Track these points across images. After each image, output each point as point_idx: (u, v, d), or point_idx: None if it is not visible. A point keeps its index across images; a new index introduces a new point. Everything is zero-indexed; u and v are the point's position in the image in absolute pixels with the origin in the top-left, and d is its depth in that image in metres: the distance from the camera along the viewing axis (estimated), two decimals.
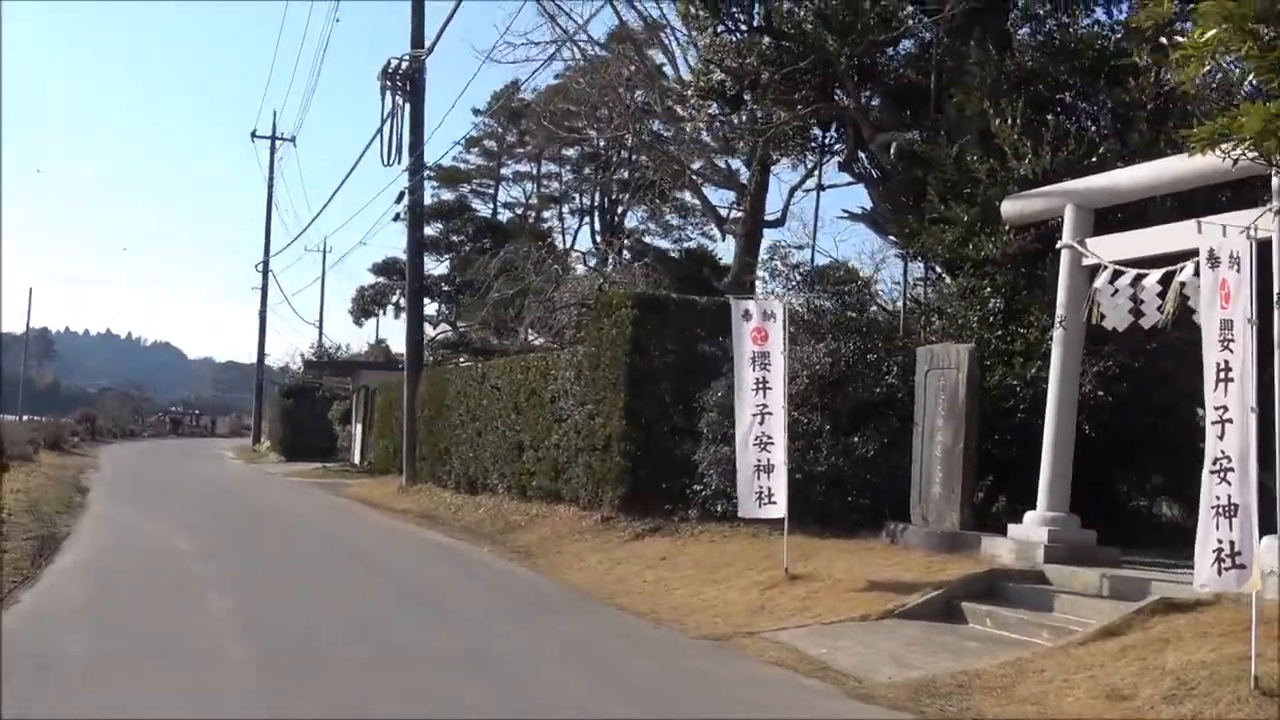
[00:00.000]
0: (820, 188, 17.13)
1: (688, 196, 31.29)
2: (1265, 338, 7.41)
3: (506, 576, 13.11)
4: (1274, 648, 6.83)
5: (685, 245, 38.02)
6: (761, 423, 11.06)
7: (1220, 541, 6.33)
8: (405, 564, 14.15)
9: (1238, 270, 6.61)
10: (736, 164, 22.01)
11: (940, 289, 14.38)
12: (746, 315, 11.31)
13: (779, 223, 22.23)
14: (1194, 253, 8.91)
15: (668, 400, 15.08)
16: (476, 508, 20.15)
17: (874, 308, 16.68)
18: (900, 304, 15.27)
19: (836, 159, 16.76)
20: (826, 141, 17.23)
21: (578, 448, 16.67)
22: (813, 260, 17.85)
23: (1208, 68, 6.56)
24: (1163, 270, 9.24)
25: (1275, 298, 7.55)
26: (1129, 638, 7.92)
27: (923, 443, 12.13)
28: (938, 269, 14.36)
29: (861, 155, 15.68)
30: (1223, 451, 6.38)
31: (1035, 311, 12.21)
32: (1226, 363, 6.49)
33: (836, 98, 15.67)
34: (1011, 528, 10.90)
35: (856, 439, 12.95)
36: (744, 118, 16.80)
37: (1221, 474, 6.35)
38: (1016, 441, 12.41)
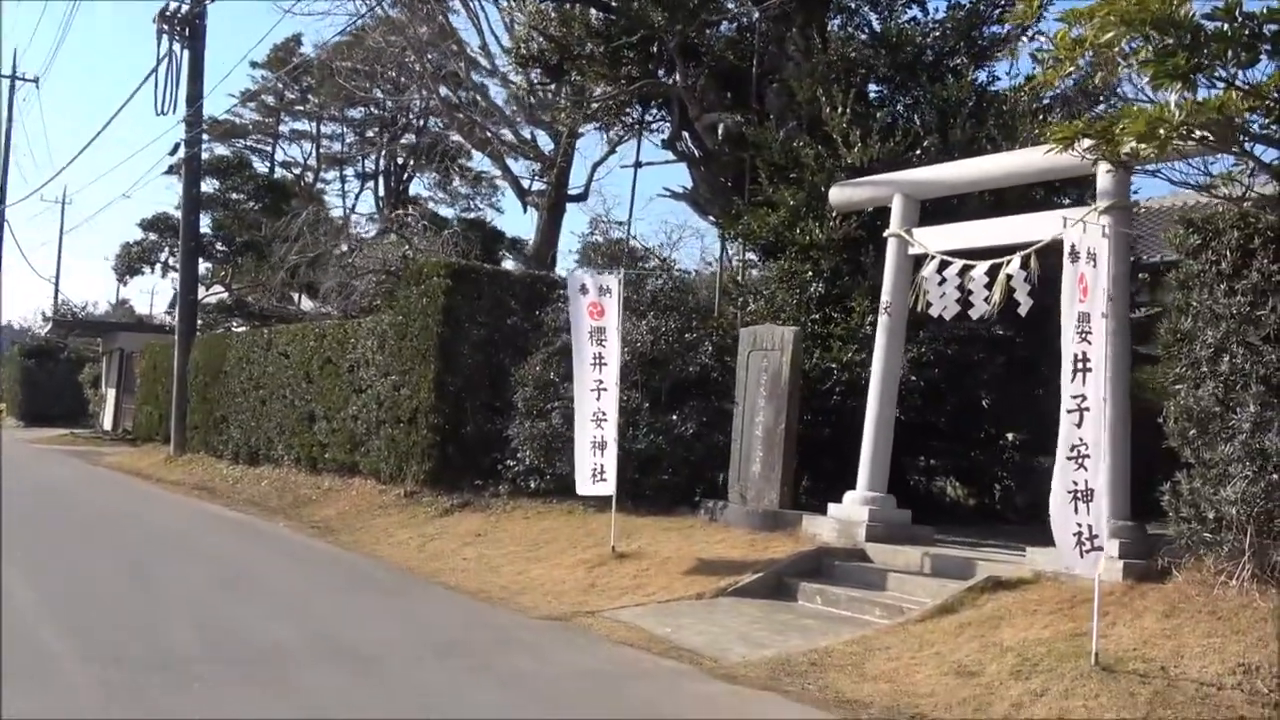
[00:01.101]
0: (638, 164, 17.10)
1: (481, 165, 30.64)
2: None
3: (316, 553, 12.42)
4: (1105, 624, 7.24)
5: (469, 215, 37.34)
6: (598, 398, 10.91)
7: (1080, 525, 6.59)
8: (203, 542, 13.15)
9: (1094, 265, 6.90)
10: (540, 134, 21.64)
11: (757, 270, 14.55)
12: (583, 289, 11.10)
13: (582, 197, 22.08)
14: (1018, 246, 9.37)
15: (479, 373, 14.75)
16: (259, 480, 19.16)
17: (677, 287, 16.73)
18: (715, 283, 15.39)
19: (660, 136, 16.74)
20: (646, 119, 17.17)
21: (379, 419, 16.05)
22: (629, 235, 17.81)
23: (1071, 69, 6.79)
24: (990, 262, 9.57)
25: (1104, 290, 7.96)
26: (963, 615, 8.19)
27: (743, 422, 12.24)
28: (755, 251, 14.51)
29: (685, 134, 15.68)
30: (1080, 439, 6.64)
31: (856, 297, 12.48)
32: (1085, 354, 6.76)
33: (660, 75, 15.61)
34: (832, 507, 11.10)
35: (675, 417, 12.95)
36: (565, 89, 16.52)
37: (1079, 460, 6.61)
38: (829, 423, 12.72)
